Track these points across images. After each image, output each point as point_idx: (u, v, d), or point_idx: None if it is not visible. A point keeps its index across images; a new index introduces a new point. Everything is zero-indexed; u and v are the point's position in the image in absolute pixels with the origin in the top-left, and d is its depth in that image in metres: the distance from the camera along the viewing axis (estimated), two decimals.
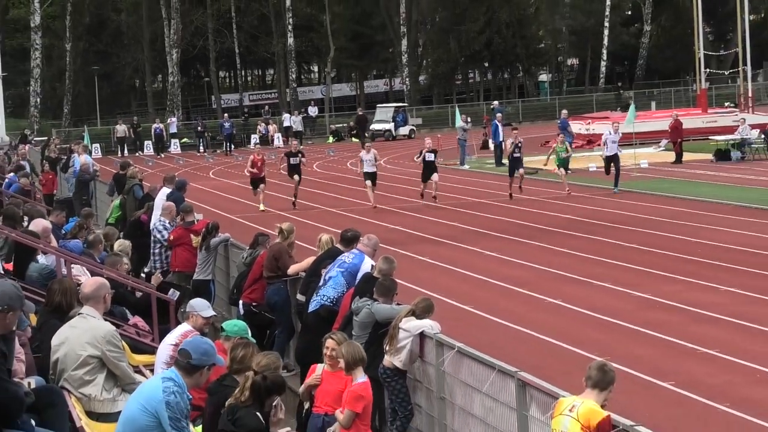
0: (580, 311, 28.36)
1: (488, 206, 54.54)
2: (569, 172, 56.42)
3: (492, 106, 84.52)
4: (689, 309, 27.48)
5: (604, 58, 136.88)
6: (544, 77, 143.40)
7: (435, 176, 54.08)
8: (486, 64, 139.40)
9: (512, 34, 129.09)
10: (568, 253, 37.21)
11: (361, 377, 15.62)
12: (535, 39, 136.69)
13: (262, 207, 54.68)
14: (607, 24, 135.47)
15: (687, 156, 65.38)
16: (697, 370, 22.80)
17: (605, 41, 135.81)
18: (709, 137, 72.52)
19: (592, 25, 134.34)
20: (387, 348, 17.98)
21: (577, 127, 75.00)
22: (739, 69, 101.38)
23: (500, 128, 71.46)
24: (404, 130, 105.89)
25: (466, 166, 71.70)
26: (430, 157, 54.13)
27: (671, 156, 66.30)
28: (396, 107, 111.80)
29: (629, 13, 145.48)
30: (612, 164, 54.56)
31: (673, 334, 25.61)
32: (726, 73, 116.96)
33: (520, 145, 55.34)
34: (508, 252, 38.28)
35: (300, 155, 57.93)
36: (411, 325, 17.94)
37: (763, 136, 67.27)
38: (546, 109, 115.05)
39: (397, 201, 59.26)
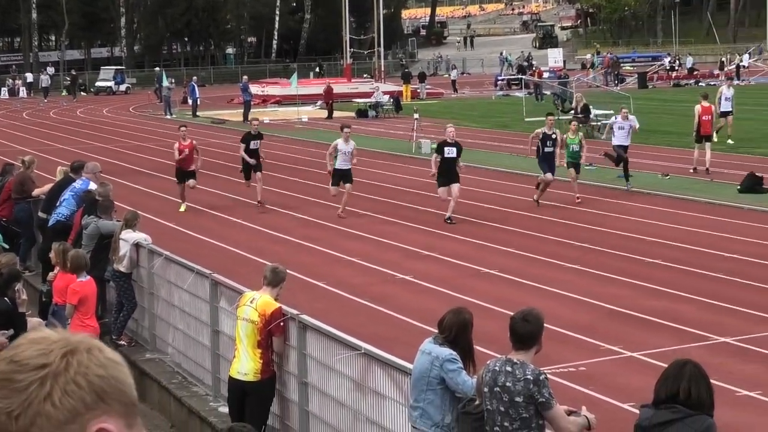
0: (263, 230, 28.26)
1: None
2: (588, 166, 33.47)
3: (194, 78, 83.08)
4: (337, 228, 27.53)
5: (275, 38, 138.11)
6: (230, 50, 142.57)
7: (456, 188, 27.91)
8: (186, 39, 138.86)
9: (207, 16, 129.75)
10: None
11: (82, 277, 15.26)
12: (224, 21, 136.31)
13: (183, 208, 31.05)
14: (278, 12, 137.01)
15: (336, 113, 65.70)
16: (344, 273, 22.90)
17: (276, 25, 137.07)
18: (353, 100, 72.76)
19: (267, 12, 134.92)
20: (112, 256, 17.87)
21: (254, 89, 74.61)
22: (375, 50, 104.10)
23: (196, 89, 70.89)
24: (122, 88, 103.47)
25: (173, 116, 70.00)
26: (451, 152, 28.09)
27: (325, 113, 66.55)
28: (116, 69, 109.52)
29: (294, 4, 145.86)
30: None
31: (326, 246, 25.79)
32: (365, 53, 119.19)
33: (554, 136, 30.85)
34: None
35: (260, 139, 31.93)
36: (128, 236, 17.96)
37: (392, 100, 68.32)
38: (231, 75, 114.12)
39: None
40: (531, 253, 24.04)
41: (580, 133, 32.91)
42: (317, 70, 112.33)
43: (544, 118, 51.20)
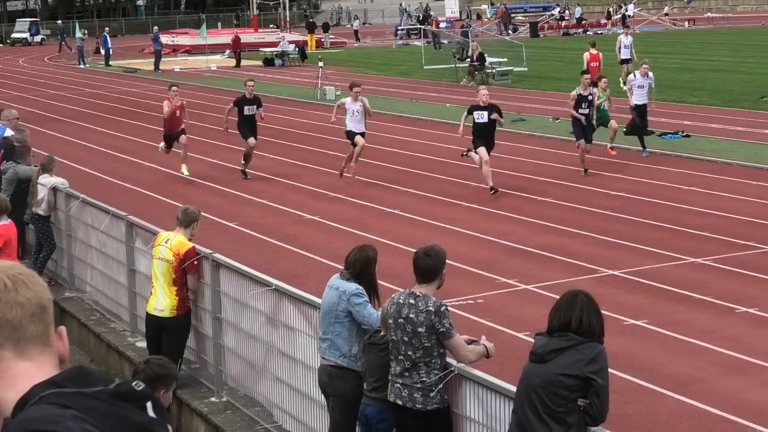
0: (174, 173, 27.66)
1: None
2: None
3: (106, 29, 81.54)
4: (246, 170, 27.06)
5: None
6: (140, 2, 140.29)
7: (484, 151, 23.15)
8: None
9: None
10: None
11: (4, 220, 14.91)
12: None
13: (185, 171, 26.89)
14: None
15: (244, 62, 65.35)
16: (254, 215, 22.82)
17: None
18: (259, 49, 72.23)
19: None
20: (30, 200, 17.67)
21: (165, 39, 73.73)
22: (280, 1, 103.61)
23: (109, 39, 69.93)
24: (37, 39, 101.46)
25: (87, 66, 69.16)
26: (481, 117, 23.24)
27: (233, 62, 66.07)
28: (30, 21, 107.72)
29: None
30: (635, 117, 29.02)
31: (235, 188, 25.64)
32: (271, 3, 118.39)
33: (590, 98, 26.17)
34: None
35: (257, 105, 26.95)
36: (46, 181, 17.83)
37: (297, 49, 68.09)
38: (142, 26, 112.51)
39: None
40: (432, 194, 24.07)
41: (607, 90, 28.19)
42: (235, 21, 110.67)
43: (452, 66, 52.26)
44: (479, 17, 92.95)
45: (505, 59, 53.17)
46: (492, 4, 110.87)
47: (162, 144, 26.76)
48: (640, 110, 28.98)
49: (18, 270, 2.48)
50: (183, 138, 25.82)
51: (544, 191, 23.93)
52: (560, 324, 7.86)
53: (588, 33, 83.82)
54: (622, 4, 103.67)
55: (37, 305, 2.47)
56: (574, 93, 25.81)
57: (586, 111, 25.51)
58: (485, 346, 9.40)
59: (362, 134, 24.98)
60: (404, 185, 25.36)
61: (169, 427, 2.52)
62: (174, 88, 26.76)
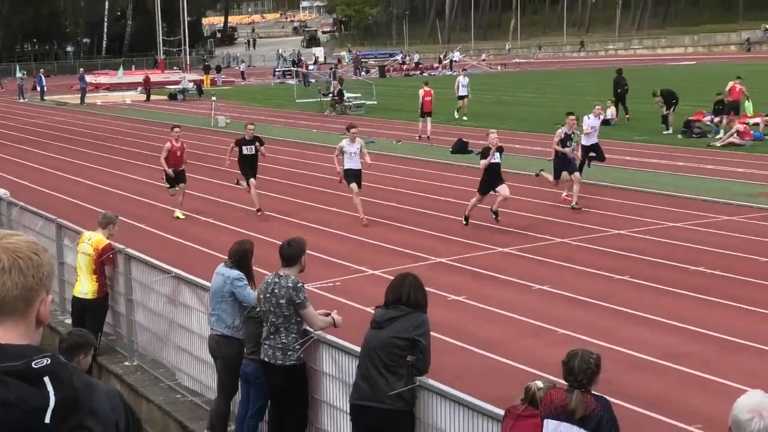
0: (98, 186, 27.25)
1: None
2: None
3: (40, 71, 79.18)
4: (157, 184, 26.27)
5: (105, 38, 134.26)
6: (69, 49, 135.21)
7: (505, 188, 20.08)
8: (34, 40, 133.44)
9: (50, 21, 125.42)
10: None
11: None
12: (64, 26, 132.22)
13: (178, 214, 22.27)
14: (106, 19, 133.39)
15: (153, 97, 64.08)
16: (161, 217, 22.43)
17: (105, 29, 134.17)
18: (165, 86, 70.89)
19: (98, 18, 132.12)
20: None
21: (89, 78, 71.88)
22: (182, 48, 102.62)
23: (43, 78, 68.23)
24: None
25: (26, 100, 67.06)
26: (497, 157, 20.04)
27: (144, 97, 64.52)
28: None
29: (119, 12, 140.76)
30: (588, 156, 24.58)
31: (149, 198, 25.13)
32: (174, 50, 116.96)
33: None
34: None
35: (258, 142, 22.20)
36: None
37: (195, 86, 67.33)
38: (71, 68, 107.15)
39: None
40: (303, 201, 24.13)
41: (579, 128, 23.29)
42: (154, 64, 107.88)
43: (318, 100, 51.97)
44: (339, 61, 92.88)
45: (359, 95, 53.35)
46: (349, 51, 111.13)
47: (178, 212, 21.92)
48: (593, 149, 24.26)
49: (21, 252, 2.41)
50: (181, 184, 21.62)
51: (391, 198, 24.15)
52: (393, 299, 8.06)
53: (424, 74, 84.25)
54: (448, 52, 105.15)
55: (24, 288, 2.41)
56: (560, 131, 21.54)
57: (570, 148, 21.68)
58: (333, 318, 9.57)
59: (359, 173, 20.42)
60: (281, 193, 25.29)
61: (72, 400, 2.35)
62: (176, 129, 21.90)
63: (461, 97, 43.40)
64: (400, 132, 38.96)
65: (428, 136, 36.45)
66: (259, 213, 21.53)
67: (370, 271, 16.98)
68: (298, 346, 9.16)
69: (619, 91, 40.52)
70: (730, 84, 34.21)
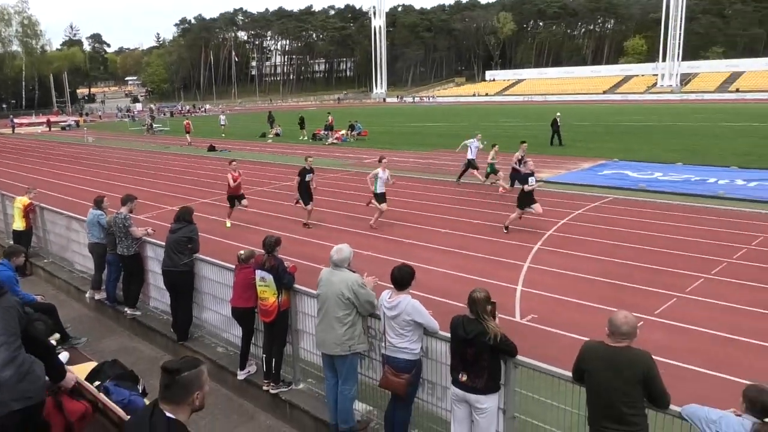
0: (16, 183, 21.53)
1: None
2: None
3: None
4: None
5: None
6: (4, 105, 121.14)
7: (538, 207, 12.92)
8: None
9: None
10: None
11: None
12: None
13: (228, 224, 14.43)
14: (23, 89, 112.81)
15: (54, 129, 60.37)
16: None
17: (24, 95, 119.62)
18: (59, 123, 65.50)
19: None
20: None
21: (17, 120, 66.02)
22: (66, 104, 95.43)
23: None
24: None
25: None
26: (533, 181, 12.86)
27: (48, 129, 60.62)
28: None
29: (31, 87, 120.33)
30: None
31: (72, 181, 21.36)
32: (63, 105, 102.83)
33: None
34: None
35: (313, 173, 14.18)
36: None
37: (75, 122, 65.20)
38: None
39: None
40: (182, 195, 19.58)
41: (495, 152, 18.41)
42: (52, 112, 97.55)
43: (143, 128, 49.90)
44: (150, 109, 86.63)
45: (160, 125, 54.66)
46: (154, 104, 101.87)
47: (229, 222, 14.72)
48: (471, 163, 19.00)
49: None
50: (245, 201, 14.87)
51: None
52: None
53: (192, 114, 79.58)
54: (203, 104, 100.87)
55: None
56: (517, 154, 16.55)
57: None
58: (147, 231, 8.51)
59: (384, 195, 14.02)
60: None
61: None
62: (234, 162, 14.91)
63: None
64: (172, 142, 36.03)
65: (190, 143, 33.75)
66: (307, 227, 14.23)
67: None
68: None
69: None
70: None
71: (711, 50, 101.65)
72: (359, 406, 5.78)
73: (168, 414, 2.87)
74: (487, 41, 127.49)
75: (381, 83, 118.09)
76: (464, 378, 4.65)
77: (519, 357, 4.67)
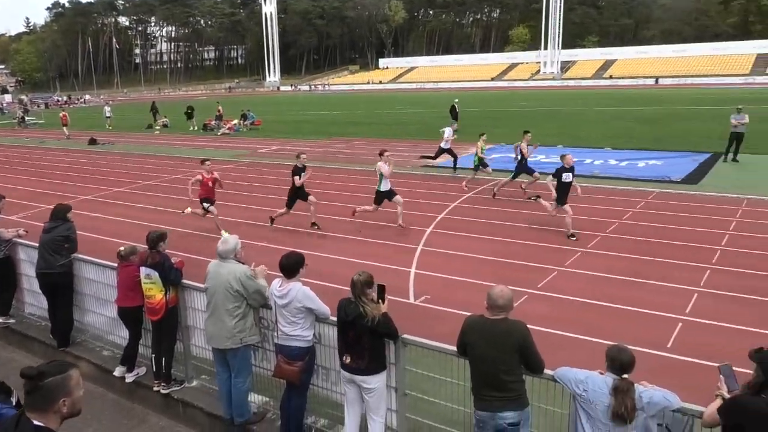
0: None
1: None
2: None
3: None
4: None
5: None
6: None
7: (568, 208, 11.32)
8: None
9: None
10: None
11: None
12: None
13: (224, 233, 7.75)
14: None
15: None
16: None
17: None
18: None
19: None
20: None
21: None
22: None
23: None
24: None
25: None
26: (568, 177, 11.24)
27: None
28: None
29: None
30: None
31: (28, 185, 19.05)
32: None
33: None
34: None
35: (305, 172, 12.05)
36: None
37: None
38: None
39: None
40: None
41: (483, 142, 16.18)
42: None
43: (15, 120, 48.55)
44: (21, 101, 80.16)
45: (34, 118, 50.93)
46: (26, 95, 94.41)
47: (189, 208, 12.84)
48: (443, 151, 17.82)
49: None
50: (212, 208, 12.45)
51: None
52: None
53: (69, 106, 76.52)
54: (81, 96, 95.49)
55: None
56: (521, 145, 14.53)
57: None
58: (19, 233, 8.00)
59: (384, 194, 12.22)
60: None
61: None
62: (207, 162, 12.70)
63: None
64: (48, 135, 34.08)
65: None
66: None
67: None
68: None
69: None
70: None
71: (587, 39, 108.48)
72: (255, 398, 5.74)
73: (36, 422, 2.74)
74: (380, 29, 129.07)
75: (274, 71, 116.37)
76: (348, 360, 4.75)
77: (407, 336, 4.80)
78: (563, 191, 11.33)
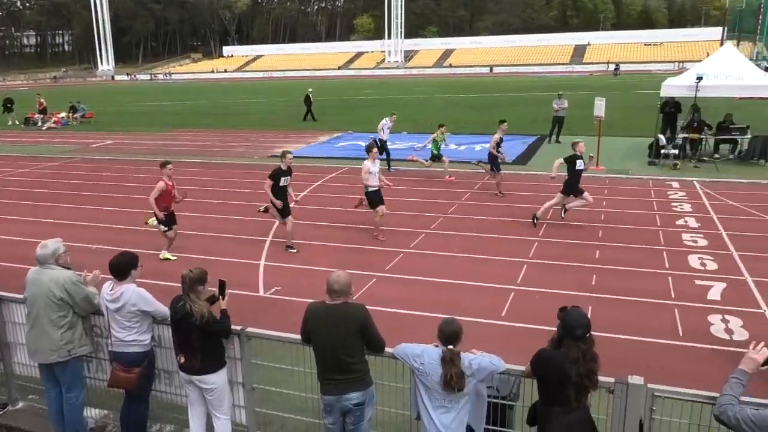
0: None
1: None
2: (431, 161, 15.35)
3: None
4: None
5: None
6: None
7: (587, 195, 11.22)
8: None
9: None
10: None
11: None
12: None
13: (167, 255, 9.80)
14: None
15: None
16: None
17: None
18: None
19: None
20: None
21: None
22: None
23: None
24: None
25: None
26: (581, 165, 11.03)
27: None
28: None
29: None
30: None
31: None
32: None
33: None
34: None
35: (290, 175, 9.96)
36: None
37: None
38: None
39: None
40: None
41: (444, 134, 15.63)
42: None
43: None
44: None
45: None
46: None
47: (152, 219, 10.08)
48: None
49: None
50: (174, 226, 10.08)
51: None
52: None
53: None
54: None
55: None
56: (497, 137, 13.71)
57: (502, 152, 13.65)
58: None
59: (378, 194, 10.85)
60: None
61: None
62: (170, 166, 9.79)
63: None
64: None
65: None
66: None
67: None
68: None
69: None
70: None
71: (427, 29, 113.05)
72: (91, 413, 5.41)
73: None
74: (222, 15, 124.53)
75: (107, 59, 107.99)
76: (182, 360, 4.64)
77: (251, 329, 4.71)
78: (576, 180, 11.03)
